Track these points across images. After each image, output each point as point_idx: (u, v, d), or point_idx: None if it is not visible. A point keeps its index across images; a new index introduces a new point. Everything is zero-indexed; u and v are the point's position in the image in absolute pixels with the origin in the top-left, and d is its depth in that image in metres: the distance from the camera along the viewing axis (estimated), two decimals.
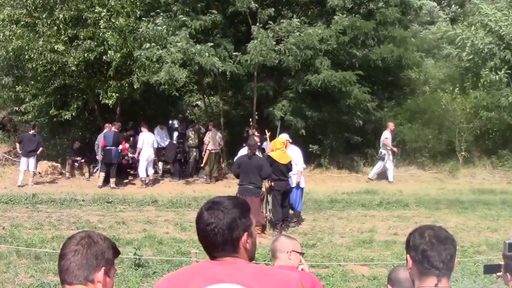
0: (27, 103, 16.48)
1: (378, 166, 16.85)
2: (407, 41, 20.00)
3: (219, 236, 2.08)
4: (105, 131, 15.55)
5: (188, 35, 15.13)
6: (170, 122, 18.65)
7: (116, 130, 15.51)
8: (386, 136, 16.74)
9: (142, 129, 15.62)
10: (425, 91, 20.45)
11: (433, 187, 16.06)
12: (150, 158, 15.60)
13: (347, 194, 14.43)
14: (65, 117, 16.05)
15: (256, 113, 16.75)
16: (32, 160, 15.20)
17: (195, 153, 16.77)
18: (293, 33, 15.49)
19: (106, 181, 15.29)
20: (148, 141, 15.42)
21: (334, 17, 16.50)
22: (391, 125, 17.13)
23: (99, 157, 15.74)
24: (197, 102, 23.30)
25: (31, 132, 15.64)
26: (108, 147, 15.16)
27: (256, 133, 14.80)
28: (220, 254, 2.11)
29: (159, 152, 16.55)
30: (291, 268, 3.48)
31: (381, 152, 16.79)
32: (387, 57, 17.93)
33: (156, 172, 16.53)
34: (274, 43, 15.24)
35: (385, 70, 18.67)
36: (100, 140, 15.57)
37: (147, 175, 15.63)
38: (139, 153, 15.43)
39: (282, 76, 17.73)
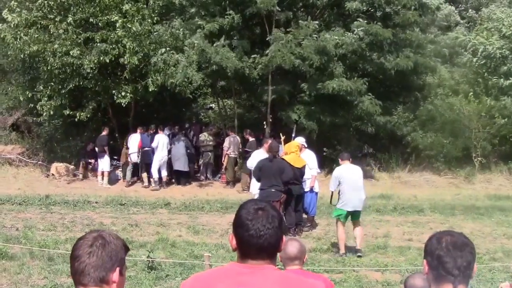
0: (42, 104, 16.56)
1: None
2: (424, 46, 19.73)
3: (266, 242, 2.05)
4: (135, 134, 15.96)
5: (203, 36, 15.17)
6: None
7: (151, 132, 16.25)
8: None
9: (159, 131, 15.96)
10: (439, 95, 20.20)
11: (449, 192, 15.87)
12: (163, 160, 15.72)
13: None
14: (79, 118, 16.11)
15: (271, 116, 16.69)
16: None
17: (210, 155, 16.68)
18: (310, 36, 15.42)
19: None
20: (163, 143, 15.65)
21: (354, 22, 16.36)
22: None
23: (133, 158, 15.93)
24: (211, 105, 23.31)
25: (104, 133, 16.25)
26: (146, 148, 15.82)
27: (268, 140, 14.73)
28: (258, 258, 2.07)
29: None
30: (317, 276, 3.45)
31: None
32: (403, 64, 17.42)
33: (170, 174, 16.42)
34: (295, 46, 15.22)
35: (399, 74, 18.43)
36: (135, 142, 15.88)
37: (160, 177, 15.78)
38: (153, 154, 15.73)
39: (296, 80, 17.61)
